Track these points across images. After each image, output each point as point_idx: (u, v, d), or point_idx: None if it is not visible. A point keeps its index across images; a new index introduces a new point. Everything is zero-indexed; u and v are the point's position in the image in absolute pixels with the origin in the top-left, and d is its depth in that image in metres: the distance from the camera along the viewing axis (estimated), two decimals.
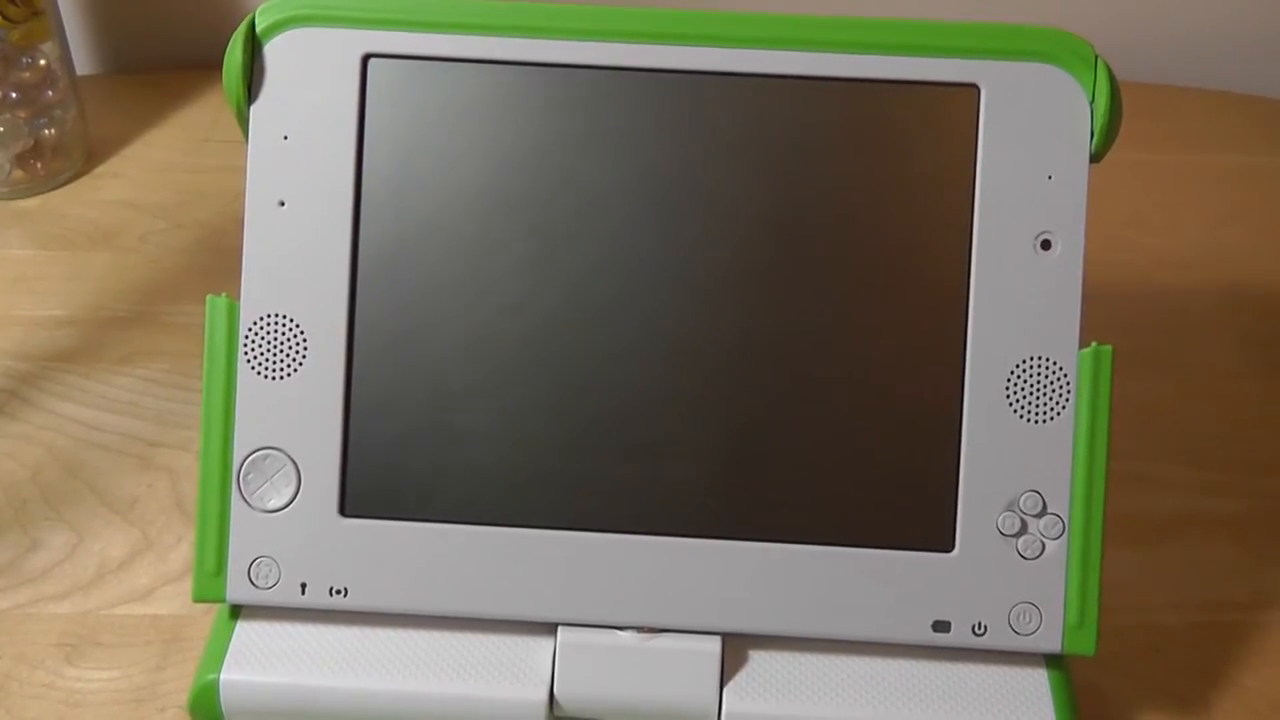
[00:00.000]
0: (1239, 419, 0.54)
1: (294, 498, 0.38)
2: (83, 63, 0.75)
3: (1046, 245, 0.38)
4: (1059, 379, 0.38)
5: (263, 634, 0.39)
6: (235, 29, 0.38)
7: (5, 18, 0.61)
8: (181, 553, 0.46)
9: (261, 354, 0.38)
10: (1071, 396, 0.38)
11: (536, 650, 0.38)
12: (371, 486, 0.38)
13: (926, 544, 0.38)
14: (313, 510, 0.38)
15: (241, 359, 0.38)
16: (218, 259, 0.60)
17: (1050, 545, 0.38)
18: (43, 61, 0.63)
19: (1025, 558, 0.38)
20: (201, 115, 0.71)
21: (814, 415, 0.38)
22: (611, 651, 0.38)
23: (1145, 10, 0.75)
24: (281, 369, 0.38)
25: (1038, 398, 0.38)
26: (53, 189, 0.65)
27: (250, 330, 0.38)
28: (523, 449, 0.38)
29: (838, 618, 0.38)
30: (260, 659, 0.38)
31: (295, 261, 0.38)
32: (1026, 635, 0.38)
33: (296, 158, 0.38)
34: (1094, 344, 0.38)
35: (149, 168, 0.66)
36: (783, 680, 0.38)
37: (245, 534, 0.38)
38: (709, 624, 0.38)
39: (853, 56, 0.38)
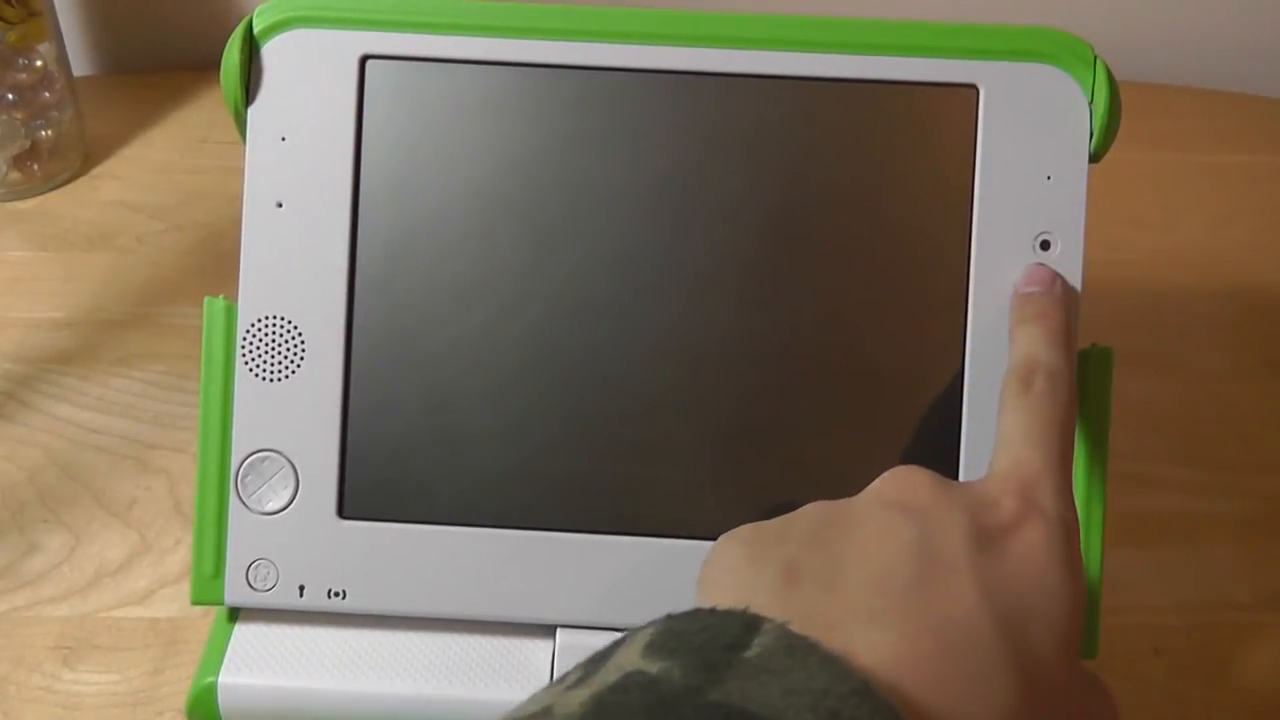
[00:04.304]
0: (1238, 419, 0.54)
1: (292, 500, 0.38)
2: (80, 63, 0.75)
3: (1046, 245, 0.37)
4: None
5: (261, 636, 0.39)
6: (233, 30, 0.38)
7: (2, 19, 0.61)
8: (179, 555, 0.46)
9: (259, 356, 0.38)
10: None
11: (535, 652, 0.38)
12: (370, 488, 0.38)
13: None
14: (311, 512, 0.38)
15: (239, 361, 0.38)
16: (215, 260, 0.60)
17: None
18: (40, 62, 0.63)
19: None
20: (199, 116, 0.70)
21: (814, 416, 0.38)
22: None
23: (1144, 10, 0.75)
24: (279, 371, 0.38)
25: None
26: (50, 190, 0.64)
27: (248, 332, 0.38)
28: (521, 450, 0.38)
29: None
30: (258, 661, 0.38)
31: (293, 263, 0.38)
32: None
33: (294, 159, 0.38)
34: (1093, 344, 0.38)
35: (146, 169, 0.66)
36: None
37: (243, 536, 0.38)
38: None
39: (852, 57, 0.38)
